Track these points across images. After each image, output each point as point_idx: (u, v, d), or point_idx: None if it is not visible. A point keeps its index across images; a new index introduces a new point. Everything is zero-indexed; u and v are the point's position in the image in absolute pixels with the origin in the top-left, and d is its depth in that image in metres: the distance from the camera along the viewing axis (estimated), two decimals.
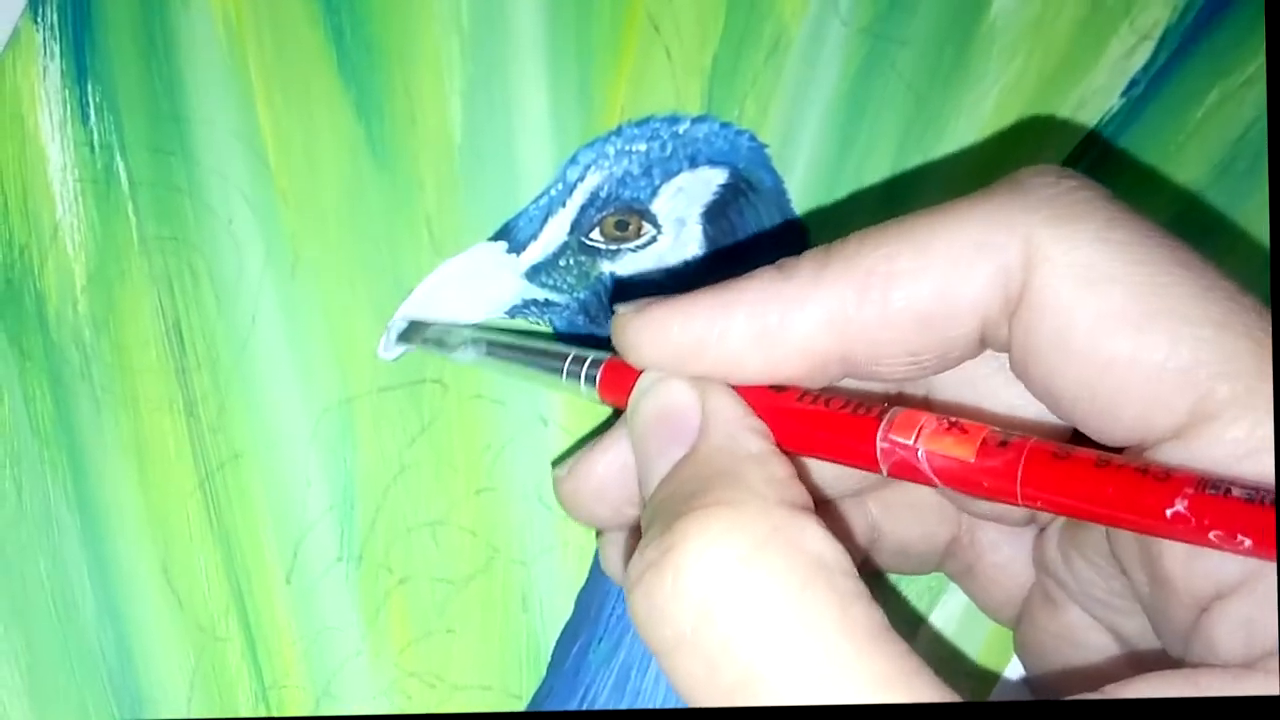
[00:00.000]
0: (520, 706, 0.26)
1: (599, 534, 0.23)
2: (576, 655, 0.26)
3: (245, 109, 0.25)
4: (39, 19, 0.25)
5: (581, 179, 0.26)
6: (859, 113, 0.26)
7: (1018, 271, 0.17)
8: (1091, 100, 0.27)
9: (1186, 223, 0.27)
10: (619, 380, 0.21)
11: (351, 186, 0.25)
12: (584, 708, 0.26)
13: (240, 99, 0.25)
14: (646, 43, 0.26)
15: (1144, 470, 0.15)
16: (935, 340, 0.18)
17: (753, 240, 0.26)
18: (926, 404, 0.21)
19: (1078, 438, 0.18)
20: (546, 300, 0.26)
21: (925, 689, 0.15)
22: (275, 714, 0.26)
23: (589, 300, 0.26)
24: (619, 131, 0.26)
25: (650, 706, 0.26)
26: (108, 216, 0.25)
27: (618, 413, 0.26)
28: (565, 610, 0.26)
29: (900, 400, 0.21)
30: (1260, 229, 0.28)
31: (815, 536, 0.16)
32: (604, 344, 0.21)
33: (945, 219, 0.18)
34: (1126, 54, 0.27)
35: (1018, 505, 0.17)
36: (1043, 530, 0.21)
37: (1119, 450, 0.17)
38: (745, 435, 0.18)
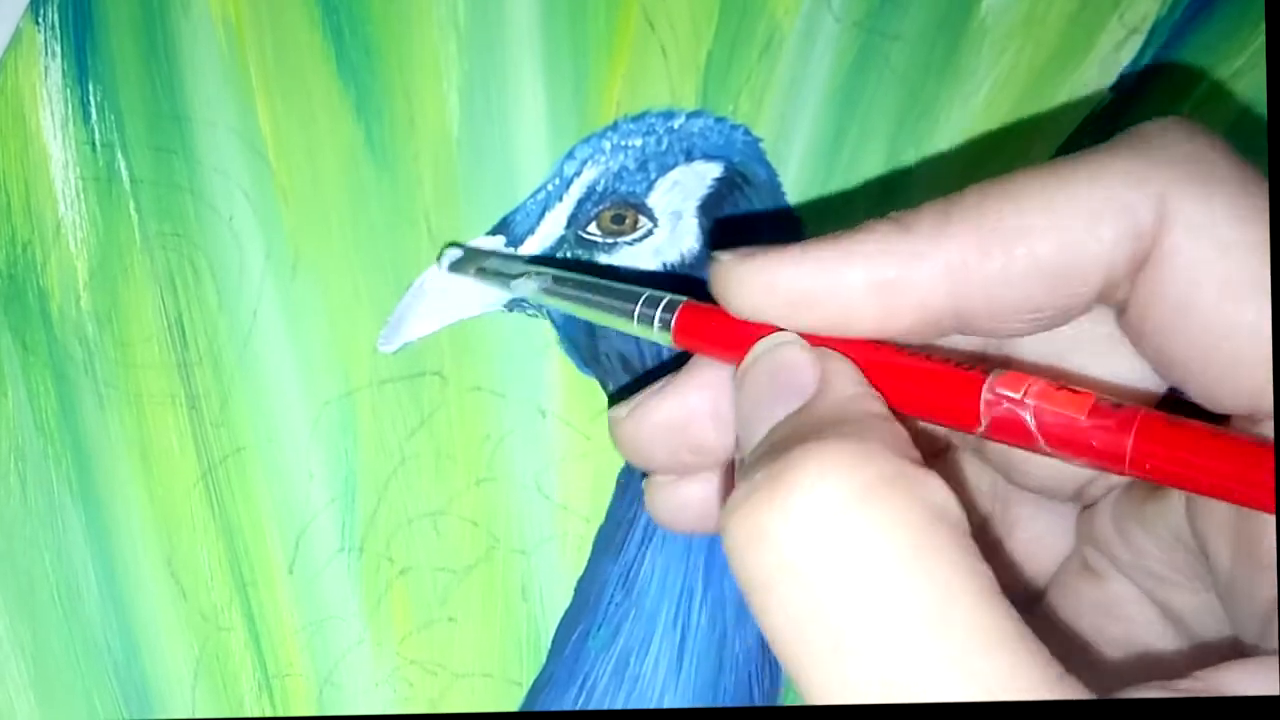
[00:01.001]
0: (521, 693, 0.26)
1: (645, 477, 0.23)
2: (576, 642, 0.26)
3: (245, 108, 0.25)
4: (40, 19, 0.25)
5: (578, 174, 0.26)
6: (852, 106, 0.26)
7: (1149, 230, 0.17)
8: (1082, 93, 0.27)
9: None
10: (695, 325, 0.20)
11: (351, 183, 0.25)
12: (584, 693, 0.26)
13: (240, 98, 0.25)
14: (642, 40, 0.26)
15: (1261, 443, 0.15)
16: (1059, 297, 0.18)
17: (748, 233, 0.26)
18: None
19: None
20: None
21: (1027, 652, 0.14)
22: (279, 702, 0.26)
23: None
24: (615, 127, 0.26)
25: (649, 691, 0.26)
26: (110, 214, 0.25)
27: (617, 398, 0.26)
28: (565, 598, 0.26)
29: (986, 362, 0.21)
30: None
31: (939, 489, 0.16)
32: (665, 285, 0.21)
33: (1075, 173, 0.17)
34: (1116, 47, 0.27)
35: (1123, 472, 0.16)
36: (1086, 506, 0.21)
37: (1225, 419, 0.17)
38: (866, 398, 0.18)
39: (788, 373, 0.18)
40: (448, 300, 0.26)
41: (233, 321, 0.25)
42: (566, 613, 0.26)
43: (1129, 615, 0.21)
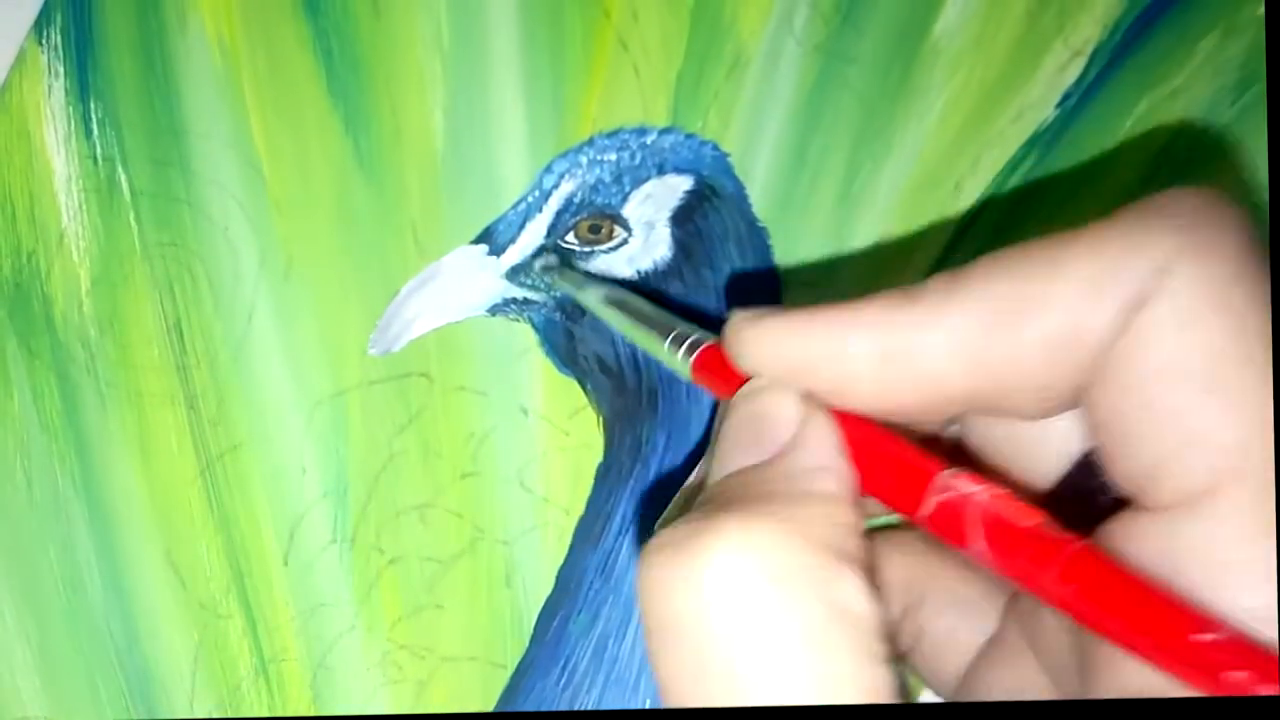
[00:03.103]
0: (505, 676, 0.27)
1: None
2: (557, 627, 0.27)
3: (240, 124, 0.25)
4: (43, 40, 0.25)
5: (556, 186, 0.26)
6: (813, 124, 0.27)
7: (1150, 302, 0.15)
8: (1028, 112, 0.27)
9: None
10: (712, 367, 0.20)
11: (341, 195, 0.26)
12: (564, 676, 0.26)
13: (235, 114, 0.25)
14: (616, 60, 0.26)
15: (1181, 605, 0.14)
16: (1067, 372, 0.16)
17: (717, 242, 0.27)
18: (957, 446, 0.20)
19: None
20: (526, 299, 0.26)
21: None
22: (275, 686, 0.26)
23: (565, 299, 0.27)
24: (591, 142, 0.26)
25: (627, 672, 0.26)
26: (111, 224, 0.25)
27: (595, 398, 0.27)
28: (546, 585, 0.27)
29: (936, 443, 0.20)
30: None
31: (850, 586, 0.15)
32: (704, 324, 0.21)
33: (1078, 243, 0.16)
34: (1060, 69, 0.27)
35: (1044, 601, 0.15)
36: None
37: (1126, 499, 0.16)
38: (826, 472, 0.17)
39: (766, 423, 0.18)
40: (434, 306, 0.26)
41: (228, 325, 0.26)
42: (548, 599, 0.27)
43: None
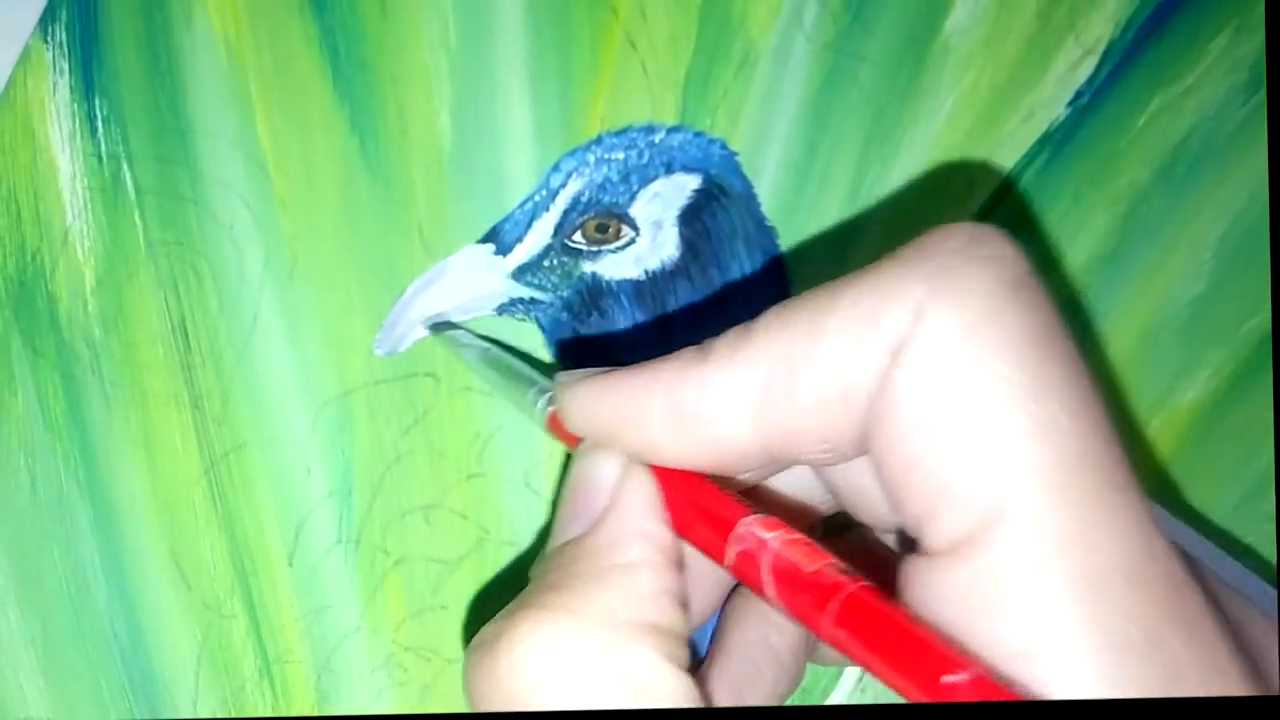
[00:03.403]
0: None
1: None
2: None
3: (246, 122, 0.25)
4: (48, 37, 0.25)
5: (564, 185, 0.26)
6: (823, 123, 0.27)
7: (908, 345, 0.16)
8: (1039, 110, 0.27)
9: (1131, 221, 0.28)
10: (559, 424, 0.20)
11: (347, 194, 0.26)
12: None
13: (241, 113, 0.25)
14: (624, 58, 0.26)
15: (945, 642, 0.15)
16: (842, 425, 0.16)
17: (725, 241, 0.27)
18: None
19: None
20: (532, 299, 0.27)
21: None
22: (279, 687, 0.26)
23: (572, 299, 0.27)
24: (599, 141, 0.26)
25: None
26: (116, 222, 0.25)
27: None
28: None
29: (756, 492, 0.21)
30: (1200, 226, 0.28)
31: (646, 663, 0.16)
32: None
33: (842, 292, 0.16)
34: (1071, 67, 0.27)
35: (822, 639, 0.16)
36: None
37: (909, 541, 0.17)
38: (634, 539, 0.17)
39: (587, 488, 0.18)
40: (440, 305, 0.26)
41: (233, 324, 0.26)
42: None
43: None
